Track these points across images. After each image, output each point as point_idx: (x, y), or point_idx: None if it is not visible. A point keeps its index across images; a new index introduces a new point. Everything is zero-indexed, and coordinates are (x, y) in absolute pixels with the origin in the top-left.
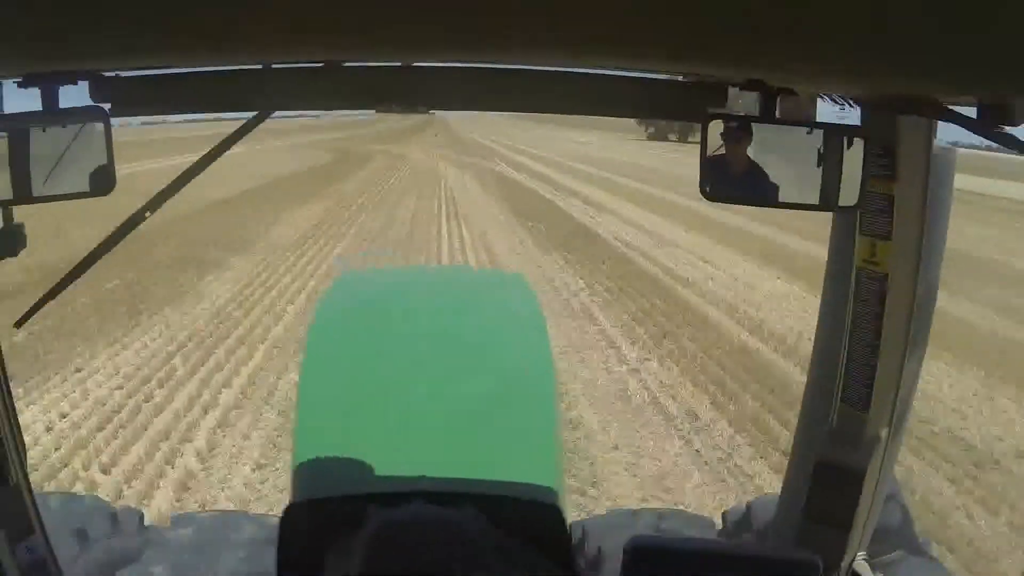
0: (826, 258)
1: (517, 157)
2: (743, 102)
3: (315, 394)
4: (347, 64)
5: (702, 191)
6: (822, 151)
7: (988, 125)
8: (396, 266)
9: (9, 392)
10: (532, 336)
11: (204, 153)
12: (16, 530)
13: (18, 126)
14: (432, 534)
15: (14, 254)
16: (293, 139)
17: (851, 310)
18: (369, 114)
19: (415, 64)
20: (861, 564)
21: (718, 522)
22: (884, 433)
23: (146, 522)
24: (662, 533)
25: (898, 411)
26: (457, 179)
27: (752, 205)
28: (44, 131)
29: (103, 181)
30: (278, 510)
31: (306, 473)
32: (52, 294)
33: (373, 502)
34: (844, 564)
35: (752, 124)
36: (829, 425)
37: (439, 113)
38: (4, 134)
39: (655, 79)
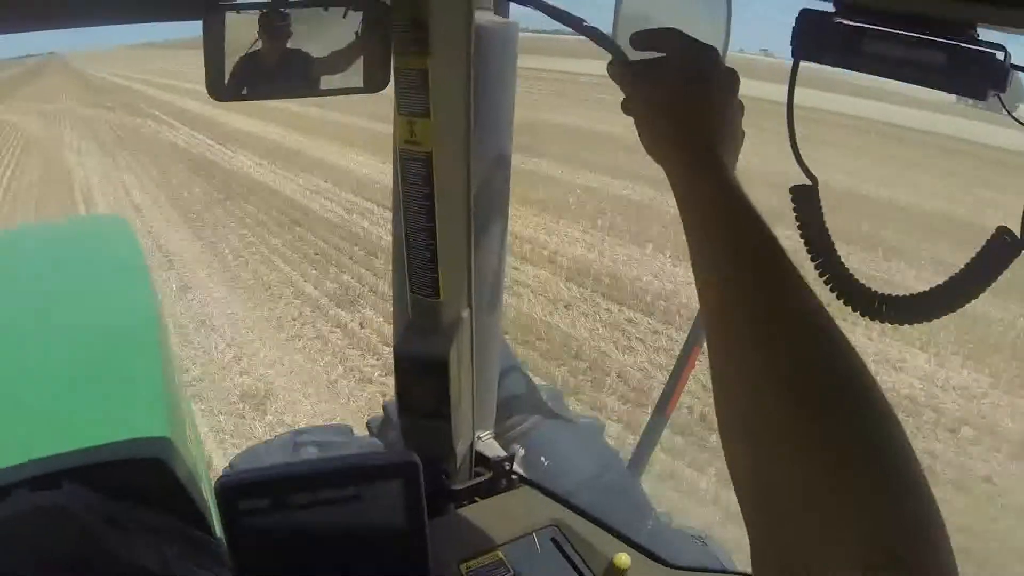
0: None
1: (181, 101)
2: None
3: None
4: None
5: (211, 92)
6: (359, 32)
7: None
8: None
9: None
10: (133, 283)
11: None
12: None
13: None
14: (38, 525)
15: None
16: None
17: (401, 195)
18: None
19: None
20: (488, 443)
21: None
22: (465, 315)
23: None
24: (305, 452)
25: (479, 294)
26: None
27: (280, 97)
28: None
29: None
30: None
31: None
32: None
33: None
34: (460, 449)
35: (269, 13)
36: (406, 316)
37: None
38: None
39: None
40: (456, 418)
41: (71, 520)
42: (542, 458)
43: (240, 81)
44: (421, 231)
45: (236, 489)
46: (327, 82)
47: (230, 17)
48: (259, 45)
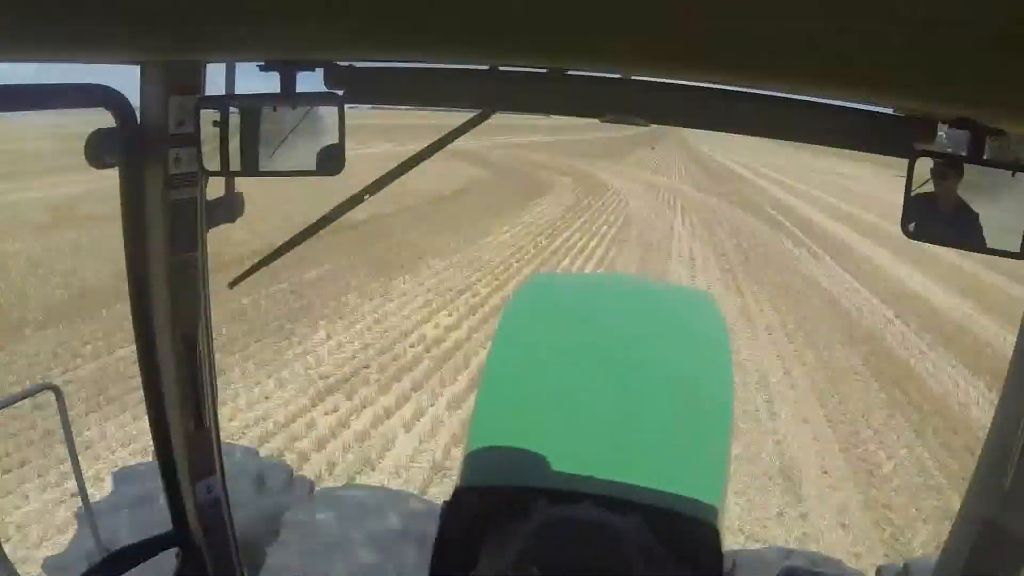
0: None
1: (818, 217)
2: (949, 140)
3: (496, 386)
4: (570, 72)
5: (904, 230)
6: None
7: None
8: (585, 273)
9: (211, 344)
10: (714, 355)
11: (427, 145)
12: (199, 469)
13: (255, 105)
14: (592, 536)
15: (232, 220)
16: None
17: None
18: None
19: (634, 77)
20: None
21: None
22: None
23: (315, 489)
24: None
25: None
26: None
27: (954, 247)
28: (276, 111)
29: (332, 162)
30: None
31: (477, 461)
32: (267, 260)
33: (540, 496)
34: None
35: (961, 164)
36: (1003, 488)
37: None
38: (236, 110)
39: (864, 110)
40: None
41: (622, 546)
42: None
43: (924, 223)
44: None
45: None
46: (987, 240)
47: (923, 163)
48: (929, 190)
